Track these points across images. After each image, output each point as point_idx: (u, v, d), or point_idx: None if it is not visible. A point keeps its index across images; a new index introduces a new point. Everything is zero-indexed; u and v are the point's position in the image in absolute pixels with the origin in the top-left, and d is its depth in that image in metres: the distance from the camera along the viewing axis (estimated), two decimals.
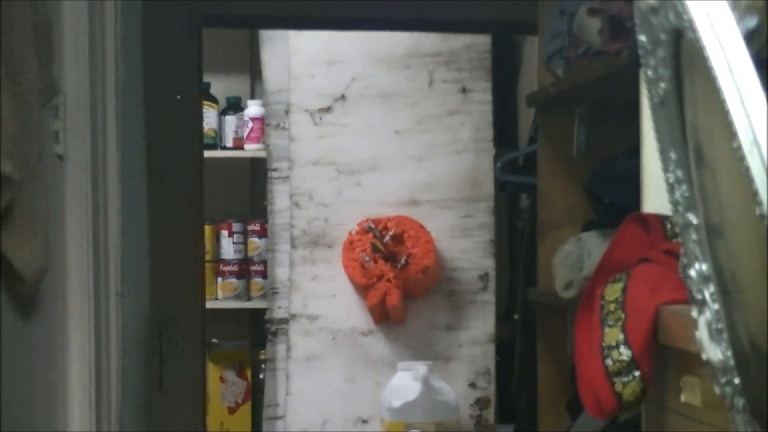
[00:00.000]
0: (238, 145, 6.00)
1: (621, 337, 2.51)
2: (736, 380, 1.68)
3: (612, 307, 2.59)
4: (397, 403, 5.46)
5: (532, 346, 4.09)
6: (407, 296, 5.62)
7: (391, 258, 5.55)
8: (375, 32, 5.55)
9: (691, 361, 2.18)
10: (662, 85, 1.70)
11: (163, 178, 3.90)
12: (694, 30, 1.50)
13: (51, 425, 3.23)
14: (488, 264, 5.69)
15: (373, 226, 5.59)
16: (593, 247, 3.40)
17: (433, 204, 5.68)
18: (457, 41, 5.64)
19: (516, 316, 4.65)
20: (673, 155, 1.74)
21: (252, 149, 5.97)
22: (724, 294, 1.69)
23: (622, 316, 2.54)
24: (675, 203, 1.77)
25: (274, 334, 5.79)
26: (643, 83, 1.78)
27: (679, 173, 1.74)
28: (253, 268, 6.01)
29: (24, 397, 3.08)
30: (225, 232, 6.01)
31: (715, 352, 1.72)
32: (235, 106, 6.04)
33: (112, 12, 3.42)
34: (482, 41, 5.66)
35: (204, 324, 4.73)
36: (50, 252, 3.09)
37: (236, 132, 6.00)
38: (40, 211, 3.00)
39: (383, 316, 5.64)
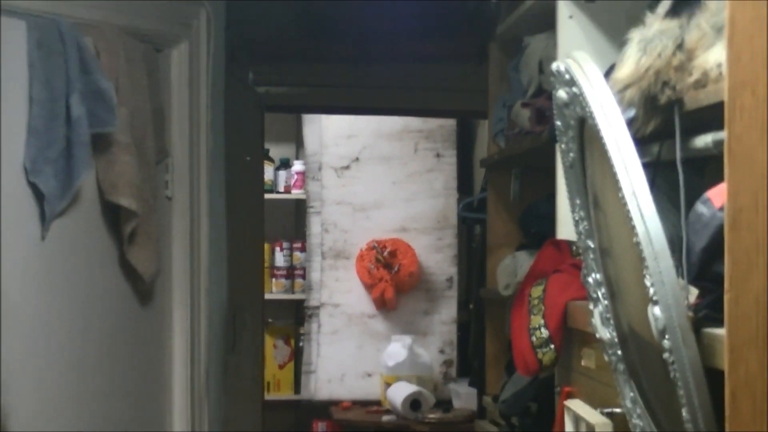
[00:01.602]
0: (287, 191, 5.98)
1: (542, 321, 2.49)
2: (619, 352, 1.67)
3: (536, 301, 2.57)
4: (391, 363, 5.45)
5: (482, 326, 4.06)
6: (398, 292, 5.61)
7: (388, 266, 5.55)
8: (379, 116, 5.55)
9: (589, 338, 2.16)
10: (571, 154, 1.69)
11: (237, 212, 3.89)
12: (593, 118, 1.50)
13: (160, 377, 3.22)
14: (453, 271, 5.68)
15: (376, 245, 5.58)
16: (523, 261, 3.38)
17: (417, 230, 5.66)
18: (433, 122, 5.65)
19: (471, 306, 4.62)
20: (578, 201, 1.73)
21: (296, 193, 5.95)
22: (611, 294, 1.68)
23: (542, 307, 2.52)
24: (579, 233, 1.76)
25: (310, 316, 5.77)
26: (558, 153, 1.78)
27: (582, 213, 1.73)
28: (297, 272, 5.97)
29: (143, 358, 3.07)
30: (278, 248, 5.98)
31: (604, 332, 1.71)
32: (285, 164, 6.02)
33: (204, 100, 3.42)
34: (450, 123, 5.67)
35: (263, 309, 4.71)
36: (161, 261, 3.08)
37: (286, 181, 5.98)
38: (155, 233, 2.99)
39: (382, 305, 5.62)
